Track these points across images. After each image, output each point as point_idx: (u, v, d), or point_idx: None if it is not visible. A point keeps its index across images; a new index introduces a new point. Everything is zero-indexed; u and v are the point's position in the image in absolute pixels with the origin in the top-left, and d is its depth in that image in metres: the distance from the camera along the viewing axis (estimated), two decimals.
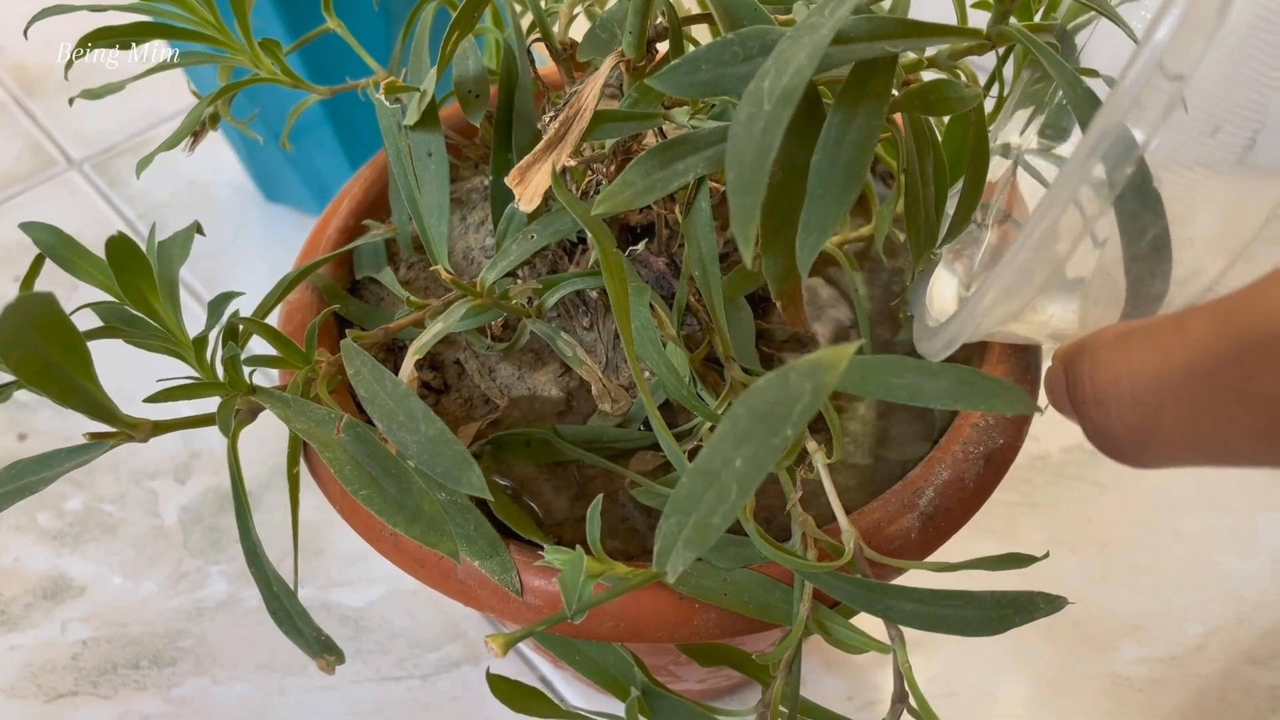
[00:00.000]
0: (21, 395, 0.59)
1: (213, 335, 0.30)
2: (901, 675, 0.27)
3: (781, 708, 0.29)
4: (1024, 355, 0.34)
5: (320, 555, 0.52)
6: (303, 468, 0.33)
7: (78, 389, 0.27)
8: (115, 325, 0.30)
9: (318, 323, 0.31)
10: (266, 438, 0.50)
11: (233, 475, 0.31)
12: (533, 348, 0.36)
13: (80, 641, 0.50)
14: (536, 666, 0.49)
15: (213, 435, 0.57)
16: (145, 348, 0.30)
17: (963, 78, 0.26)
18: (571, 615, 0.26)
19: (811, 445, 0.29)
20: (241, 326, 0.30)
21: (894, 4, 0.27)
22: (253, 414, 0.32)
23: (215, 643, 0.50)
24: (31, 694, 0.49)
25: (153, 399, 0.30)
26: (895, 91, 0.26)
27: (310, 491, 0.32)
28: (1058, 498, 0.53)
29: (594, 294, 0.34)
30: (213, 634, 0.50)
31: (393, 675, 0.48)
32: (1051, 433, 0.55)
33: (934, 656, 0.48)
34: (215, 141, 0.68)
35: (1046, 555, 0.28)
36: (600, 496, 0.26)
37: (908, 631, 0.27)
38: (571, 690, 0.48)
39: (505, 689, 0.30)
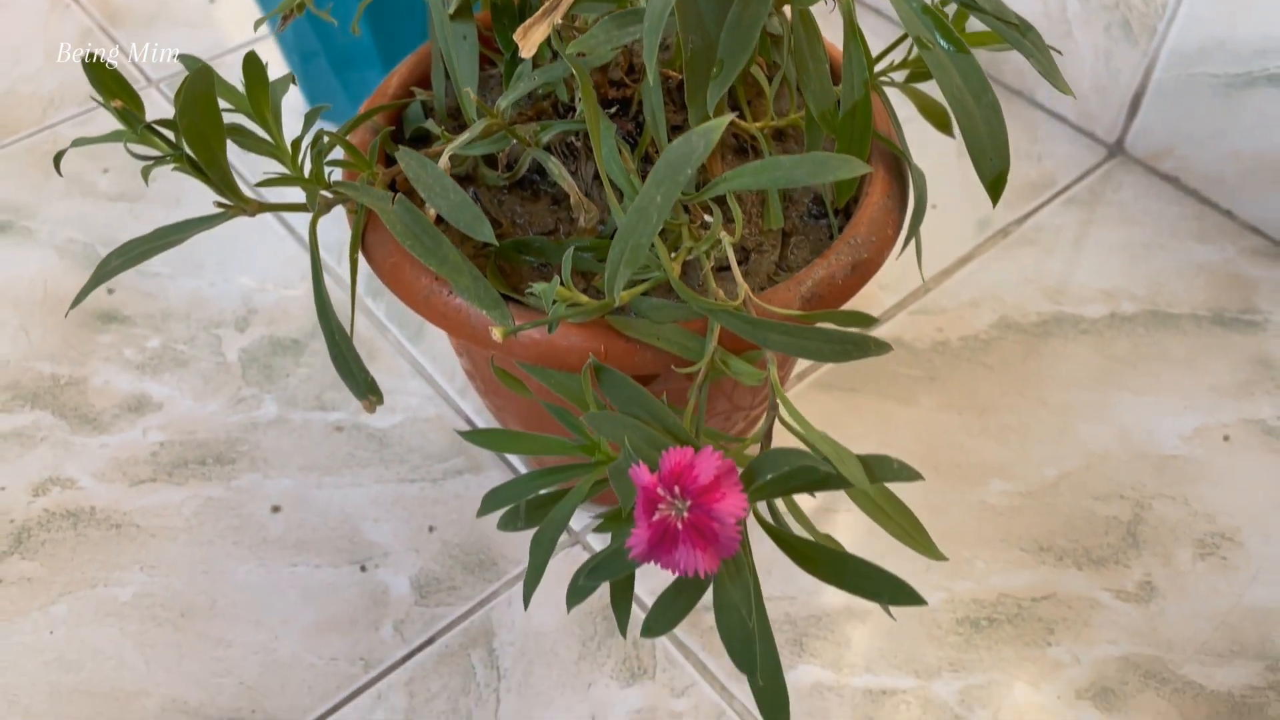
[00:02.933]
0: None
1: (305, 141, 0.42)
2: (773, 388, 0.39)
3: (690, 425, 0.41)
4: (895, 179, 0.46)
5: None
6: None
7: (216, 161, 0.39)
8: (235, 129, 0.42)
9: (379, 140, 0.43)
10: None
11: (312, 249, 0.43)
12: (531, 185, 0.48)
13: (158, 443, 0.62)
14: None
15: (267, 295, 0.70)
16: (254, 150, 0.43)
17: None
18: (550, 323, 0.38)
19: (723, 233, 0.41)
20: (326, 139, 0.43)
21: None
22: (328, 207, 0.44)
23: (267, 449, 0.62)
24: (118, 480, 0.61)
25: (263, 184, 0.42)
26: None
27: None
28: (952, 374, 0.65)
29: (578, 144, 0.46)
30: (265, 443, 0.62)
31: (409, 479, 0.61)
32: (954, 324, 0.67)
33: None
34: (272, 57, 0.80)
35: (881, 317, 0.40)
36: (573, 245, 0.38)
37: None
38: None
39: (477, 436, 0.42)
